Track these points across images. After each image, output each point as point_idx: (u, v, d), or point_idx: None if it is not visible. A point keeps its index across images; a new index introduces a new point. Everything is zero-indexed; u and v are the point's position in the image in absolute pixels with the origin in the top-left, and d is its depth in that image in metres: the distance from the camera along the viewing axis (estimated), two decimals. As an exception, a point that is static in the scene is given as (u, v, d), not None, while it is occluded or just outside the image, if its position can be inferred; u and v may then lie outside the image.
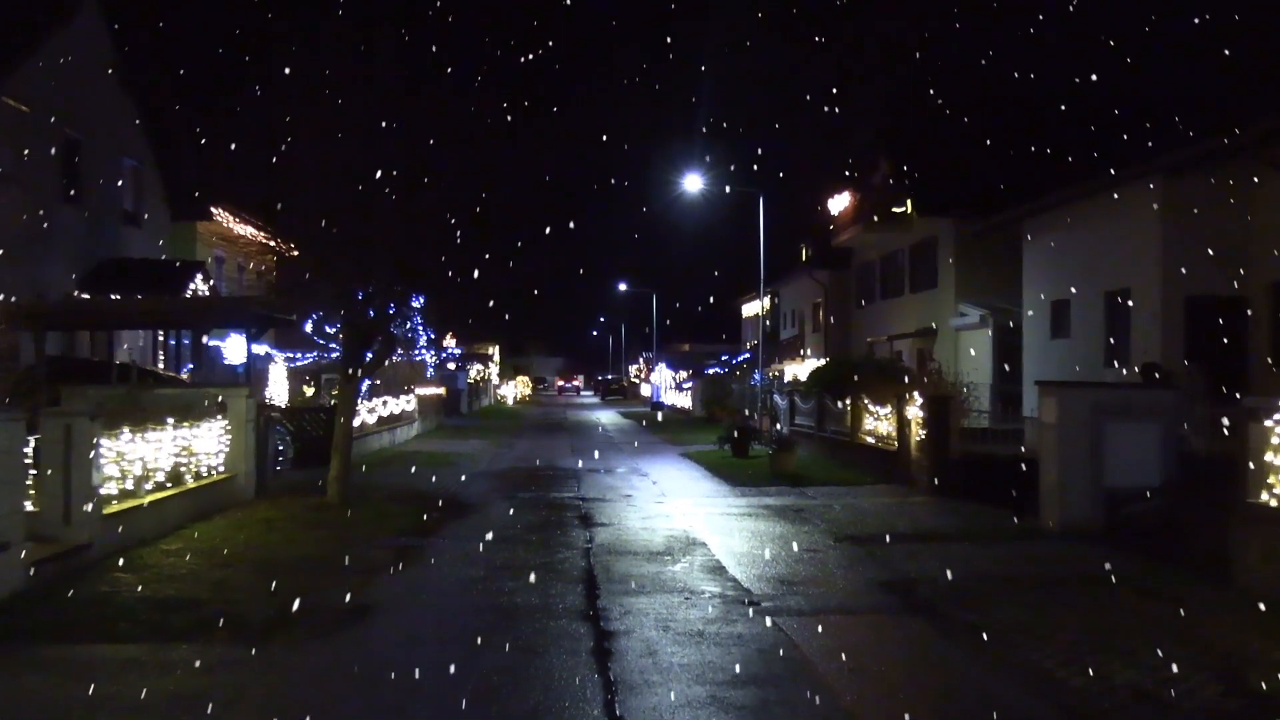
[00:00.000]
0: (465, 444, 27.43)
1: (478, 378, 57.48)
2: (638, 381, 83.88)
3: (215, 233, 25.35)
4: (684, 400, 49.72)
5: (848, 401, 21.26)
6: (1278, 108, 17.10)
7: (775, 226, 52.43)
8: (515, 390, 71.80)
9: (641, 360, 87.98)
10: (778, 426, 26.37)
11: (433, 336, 26.76)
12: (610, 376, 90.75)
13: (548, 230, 16.11)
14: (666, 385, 59.44)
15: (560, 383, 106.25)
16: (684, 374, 57.13)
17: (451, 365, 47.68)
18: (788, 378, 41.19)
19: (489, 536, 12.15)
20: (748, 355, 48.88)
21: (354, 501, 14.46)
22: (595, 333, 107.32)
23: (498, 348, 69.99)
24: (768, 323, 48.37)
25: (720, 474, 19.66)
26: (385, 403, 25.62)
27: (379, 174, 13.81)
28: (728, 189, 33.85)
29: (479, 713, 6.03)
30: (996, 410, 21.87)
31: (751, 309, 56.07)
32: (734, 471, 19.89)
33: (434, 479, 18.45)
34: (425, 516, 13.51)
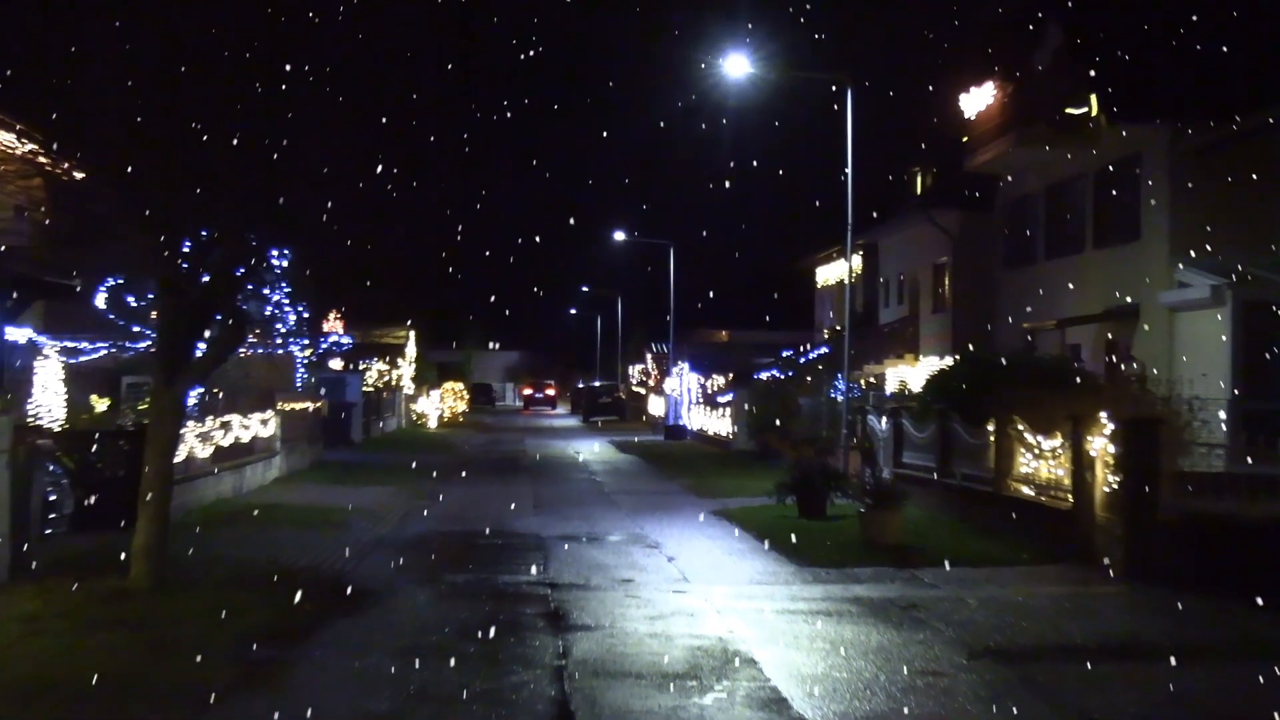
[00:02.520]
0: (359, 492, 27.71)
1: (380, 384, 57.66)
2: (643, 392, 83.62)
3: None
4: (719, 422, 49.77)
5: (990, 427, 21.40)
6: None
7: (871, 141, 52.43)
8: (441, 404, 71.88)
9: (649, 358, 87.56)
10: (875, 467, 26.23)
11: (306, 316, 26.62)
12: (597, 384, 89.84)
13: (497, 155, 16.14)
14: (691, 398, 59.48)
15: (529, 392, 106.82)
16: (719, 380, 57.08)
17: (337, 364, 47.99)
18: (891, 386, 41.24)
19: (397, 646, 12.24)
20: (825, 350, 48.74)
21: (176, 586, 14.52)
22: (574, 310, 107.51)
23: (413, 336, 70.21)
24: (857, 299, 48.27)
25: (780, 545, 19.90)
26: (228, 425, 25.66)
27: (228, 53, 13.98)
28: (790, 79, 33.74)
29: None
30: (1238, 442, 21.68)
31: (831, 274, 55.93)
32: (802, 541, 20.08)
33: (308, 550, 18.55)
34: (293, 611, 13.64)
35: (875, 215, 46.67)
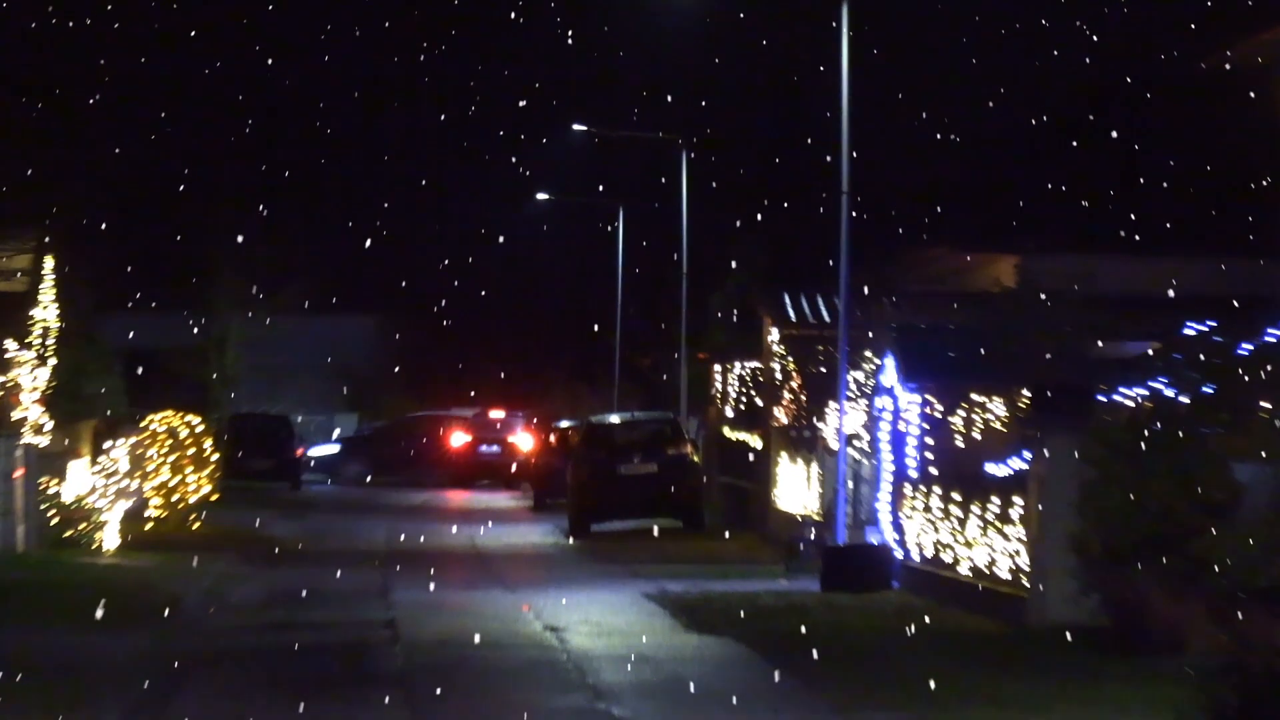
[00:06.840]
0: None
1: None
2: (753, 442, 35.00)
3: None
4: (991, 539, 21.93)
5: None
6: None
7: None
8: (140, 476, 33.01)
9: (773, 343, 36.40)
10: None
11: None
12: (614, 420, 40.49)
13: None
14: (906, 463, 26.16)
15: (465, 439, 52.23)
16: (993, 406, 24.86)
17: None
18: None
19: None
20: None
21: None
22: (546, 196, 53.98)
23: (51, 270, 30.28)
24: None
25: None
26: None
27: None
28: None
29: None
30: None
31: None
32: None
33: None
34: None
35: None
